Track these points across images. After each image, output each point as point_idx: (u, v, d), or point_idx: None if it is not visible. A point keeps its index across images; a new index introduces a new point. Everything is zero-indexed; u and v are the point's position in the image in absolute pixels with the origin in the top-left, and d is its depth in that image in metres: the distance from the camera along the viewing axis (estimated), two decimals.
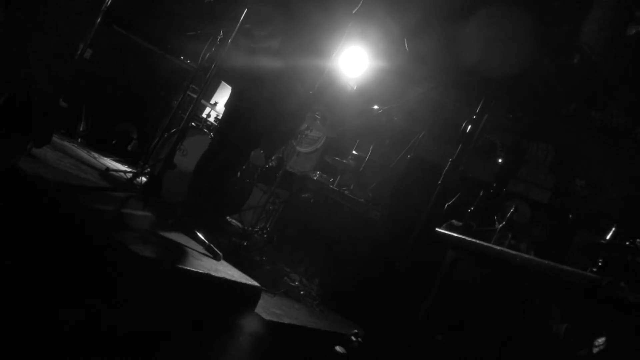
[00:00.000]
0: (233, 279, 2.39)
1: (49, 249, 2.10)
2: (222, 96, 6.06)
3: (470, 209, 3.28)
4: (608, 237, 2.58)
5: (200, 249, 2.63)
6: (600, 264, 2.39)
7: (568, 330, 2.30)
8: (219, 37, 4.86)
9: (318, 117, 5.22)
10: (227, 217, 4.96)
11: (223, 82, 6.15)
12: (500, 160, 4.92)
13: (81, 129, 6.07)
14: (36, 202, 2.16)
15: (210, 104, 5.52)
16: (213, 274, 2.27)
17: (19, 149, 2.44)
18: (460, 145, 2.59)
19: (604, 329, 2.16)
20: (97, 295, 2.00)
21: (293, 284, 3.62)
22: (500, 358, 2.76)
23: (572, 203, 4.67)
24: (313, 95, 3.53)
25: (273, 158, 4.99)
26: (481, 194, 3.27)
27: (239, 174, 4.13)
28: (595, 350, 2.12)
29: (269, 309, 2.75)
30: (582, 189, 4.81)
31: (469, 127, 2.57)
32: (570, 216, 4.20)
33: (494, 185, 4.45)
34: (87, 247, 2.07)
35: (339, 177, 5.23)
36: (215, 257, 2.60)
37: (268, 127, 3.33)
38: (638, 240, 2.40)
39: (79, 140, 5.84)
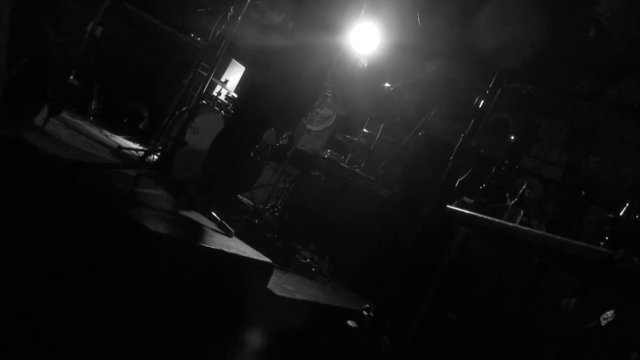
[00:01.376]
0: (245, 255, 2.40)
1: (62, 225, 2.13)
2: (232, 74, 6.05)
3: (482, 185, 3.27)
4: (622, 212, 2.57)
5: (213, 226, 2.65)
6: (607, 238, 2.38)
7: (577, 304, 2.30)
8: (230, 14, 4.82)
9: (329, 94, 5.20)
10: (239, 195, 4.98)
11: (234, 60, 6.12)
12: (512, 138, 4.89)
13: (93, 107, 6.08)
14: (50, 179, 2.19)
15: (221, 81, 5.51)
16: (225, 250, 2.29)
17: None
18: (472, 121, 2.56)
19: (612, 302, 2.16)
20: (111, 272, 2.03)
21: (304, 261, 3.65)
22: (513, 333, 2.78)
23: (585, 180, 4.64)
24: (325, 73, 3.51)
25: (284, 136, 4.98)
26: (493, 170, 3.25)
27: (252, 153, 4.13)
28: (603, 322, 2.12)
29: (281, 285, 2.77)
30: (596, 166, 4.77)
31: (482, 102, 2.54)
32: (583, 192, 4.18)
33: (506, 162, 4.43)
34: (101, 224, 2.10)
35: (349, 155, 5.22)
36: (228, 234, 2.62)
37: (281, 105, 3.32)
38: None
39: (91, 118, 5.86)
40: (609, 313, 2.13)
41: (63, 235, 2.11)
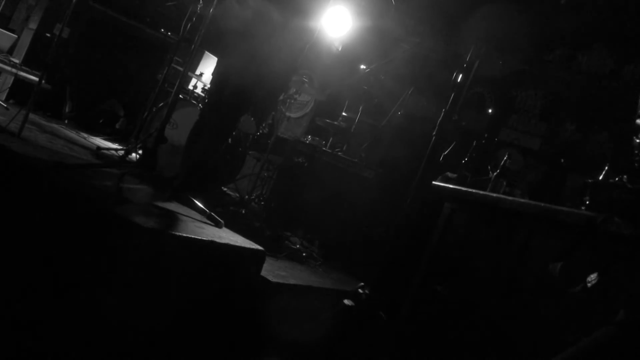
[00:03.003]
0: (237, 244, 2.42)
1: (50, 226, 2.12)
2: (207, 66, 6.00)
3: (464, 160, 3.32)
4: (600, 177, 2.63)
5: (202, 218, 2.65)
6: (587, 202, 2.44)
7: (563, 269, 2.36)
8: (199, 6, 4.78)
9: (306, 80, 5.19)
10: (223, 187, 4.97)
11: (207, 53, 6.07)
12: (490, 111, 4.95)
13: (67, 110, 6.00)
14: (34, 182, 2.16)
15: (196, 75, 5.46)
16: (217, 240, 2.29)
17: None
18: (452, 95, 2.59)
19: (596, 265, 2.22)
20: (103, 270, 2.02)
21: (294, 247, 3.67)
22: (503, 302, 2.83)
23: (563, 148, 4.72)
24: (298, 57, 3.51)
25: (264, 125, 4.97)
26: (474, 144, 3.29)
27: (230, 140, 4.11)
28: (589, 285, 2.18)
29: (274, 271, 2.79)
30: (573, 134, 4.86)
31: (460, 76, 2.57)
32: (562, 160, 4.25)
33: (486, 135, 4.48)
34: (89, 223, 2.08)
35: (330, 139, 5.24)
36: (217, 225, 2.62)
37: (253, 90, 3.31)
38: (624, 177, 2.44)
39: (66, 121, 5.78)
40: (593, 276, 2.19)
41: (50, 237, 2.09)
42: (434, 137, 2.62)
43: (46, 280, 1.99)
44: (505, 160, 3.29)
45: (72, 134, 4.86)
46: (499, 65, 4.59)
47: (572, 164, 4.38)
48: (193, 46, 2.89)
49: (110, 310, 1.91)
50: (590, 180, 2.57)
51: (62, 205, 2.11)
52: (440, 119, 2.62)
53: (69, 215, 2.11)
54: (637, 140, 2.47)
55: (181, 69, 5.69)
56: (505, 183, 3.21)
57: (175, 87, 2.97)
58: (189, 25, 4.94)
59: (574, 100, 4.90)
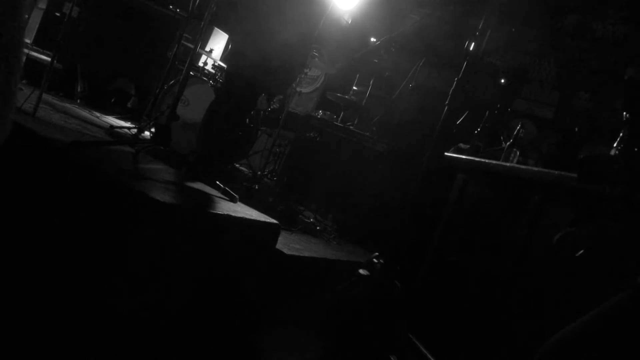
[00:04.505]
0: (252, 217, 2.45)
1: (70, 203, 2.16)
2: (216, 43, 5.98)
3: (476, 130, 3.31)
4: (615, 144, 2.61)
5: (217, 193, 2.69)
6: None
7: (560, 239, 2.35)
8: None
9: (316, 54, 5.16)
10: (236, 164, 5.00)
11: (216, 29, 6.04)
12: (502, 81, 4.90)
13: (79, 89, 6.03)
14: (53, 159, 2.20)
15: (206, 51, 5.45)
16: (233, 214, 2.33)
17: None
18: (464, 64, 2.57)
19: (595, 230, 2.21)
20: (123, 245, 2.06)
21: (308, 221, 3.70)
22: (517, 271, 2.85)
23: (577, 117, 4.68)
24: (312, 34, 3.49)
25: (275, 100, 4.97)
26: (487, 114, 3.28)
27: (247, 120, 4.13)
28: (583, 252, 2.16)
29: (288, 244, 2.83)
30: (587, 102, 4.81)
31: (472, 44, 2.54)
32: (576, 129, 4.22)
33: (499, 105, 4.45)
34: (106, 198, 2.12)
35: (342, 113, 5.23)
36: (232, 200, 2.65)
37: (272, 70, 3.30)
38: None
39: (79, 101, 5.82)
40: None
41: (72, 214, 2.14)
42: (446, 108, 2.61)
43: (65, 253, 2.04)
44: (519, 130, 3.27)
45: (85, 113, 4.89)
46: (512, 34, 4.52)
47: (586, 133, 4.35)
48: (203, 23, 2.89)
49: (126, 283, 1.96)
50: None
51: (81, 181, 2.15)
52: (452, 88, 2.61)
53: (87, 191, 2.15)
54: None
55: (191, 45, 5.69)
56: (518, 153, 3.21)
57: (187, 65, 2.98)
58: (198, 1, 4.92)
59: (587, 68, 4.84)
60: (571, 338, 1.81)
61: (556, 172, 2.50)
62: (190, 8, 4.95)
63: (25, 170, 2.23)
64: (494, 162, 2.99)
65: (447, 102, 2.58)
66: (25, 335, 1.83)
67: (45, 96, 4.64)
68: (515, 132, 3.24)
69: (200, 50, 5.40)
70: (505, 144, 3.26)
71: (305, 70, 5.05)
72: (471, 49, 2.51)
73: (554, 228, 2.58)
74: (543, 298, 2.56)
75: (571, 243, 2.10)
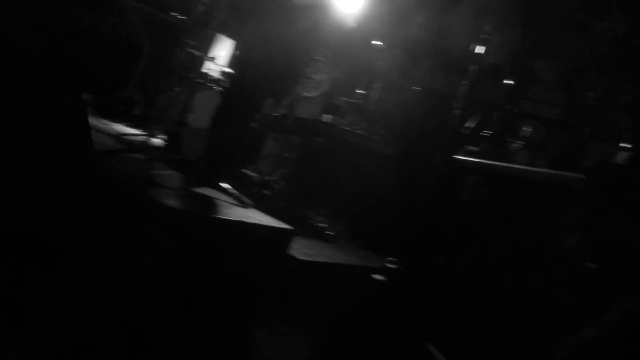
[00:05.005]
0: (265, 223, 2.46)
1: (84, 211, 2.17)
2: (220, 49, 5.99)
3: (485, 132, 3.31)
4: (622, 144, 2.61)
5: (229, 199, 2.70)
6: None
7: (576, 240, 2.34)
8: None
9: (320, 58, 5.17)
10: (244, 169, 5.01)
11: (220, 35, 6.06)
12: (508, 82, 4.89)
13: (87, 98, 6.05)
14: (68, 170, 2.22)
15: (209, 57, 5.46)
16: (246, 220, 2.34)
17: None
18: (472, 68, 2.57)
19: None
20: (137, 252, 2.07)
21: (319, 226, 3.70)
22: (529, 274, 2.85)
23: (585, 116, 4.66)
24: (313, 34, 3.50)
25: (281, 105, 4.98)
26: (494, 116, 3.28)
27: (252, 125, 4.14)
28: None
29: (301, 249, 2.83)
30: (594, 102, 4.79)
31: (477, 47, 2.55)
32: (584, 129, 4.21)
33: (506, 107, 4.44)
34: (121, 206, 2.14)
35: (348, 117, 5.23)
36: (244, 206, 2.67)
37: (276, 74, 3.32)
38: None
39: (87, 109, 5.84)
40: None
41: (86, 220, 2.15)
42: (454, 111, 2.61)
43: (81, 263, 2.05)
44: (526, 131, 3.28)
45: (94, 121, 4.92)
46: (515, 34, 4.52)
47: (593, 132, 4.33)
48: (208, 31, 2.90)
49: (139, 289, 1.97)
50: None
51: (95, 189, 2.17)
52: (459, 91, 2.61)
53: (101, 199, 2.16)
54: None
55: (195, 52, 5.70)
56: (527, 154, 3.21)
57: (195, 73, 3.00)
58: (201, 8, 4.94)
59: (593, 67, 4.83)
60: (588, 343, 1.81)
61: (565, 173, 2.51)
62: (193, 15, 4.98)
63: (42, 179, 2.24)
64: (503, 164, 3.00)
65: (456, 106, 2.58)
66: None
67: None
68: (523, 134, 3.25)
69: (204, 57, 5.42)
70: (514, 145, 3.27)
71: (311, 75, 5.05)
72: (477, 51, 2.52)
73: (566, 230, 2.58)
74: (558, 304, 2.55)
75: (583, 249, 2.11)
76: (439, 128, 3.31)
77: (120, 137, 4.27)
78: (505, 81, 5.17)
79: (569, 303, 2.32)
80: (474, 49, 2.57)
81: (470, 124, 3.17)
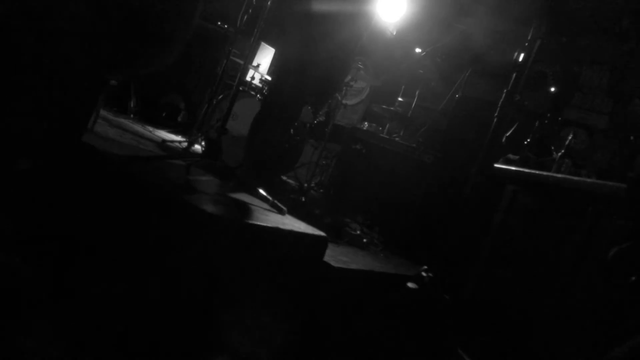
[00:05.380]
0: (300, 230, 2.48)
1: (126, 216, 2.25)
2: (263, 57, 6.10)
3: (526, 140, 3.25)
4: None
5: (265, 205, 2.74)
6: None
7: (616, 256, 2.25)
8: None
9: (361, 66, 5.19)
10: (283, 176, 5.07)
11: (263, 43, 6.17)
12: (552, 89, 4.79)
13: (132, 105, 6.26)
14: (111, 173, 2.30)
15: (253, 66, 5.57)
16: (281, 227, 2.37)
17: None
18: (514, 75, 2.54)
19: None
20: (175, 257, 2.13)
21: (355, 233, 3.71)
22: (569, 287, 2.77)
23: (633, 125, 4.51)
24: (357, 42, 3.52)
25: (321, 113, 5.02)
26: (537, 124, 3.22)
27: (291, 131, 4.19)
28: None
29: (336, 257, 2.84)
30: None
31: (522, 55, 2.51)
32: (632, 138, 4.07)
33: (548, 115, 4.35)
34: (160, 211, 2.20)
35: (387, 125, 5.23)
36: (280, 212, 2.70)
37: (315, 81, 3.35)
38: None
39: (132, 116, 6.04)
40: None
41: (129, 225, 2.23)
42: (495, 119, 2.58)
43: (122, 266, 2.12)
44: (570, 140, 3.20)
45: (138, 127, 5.08)
46: (562, 41, 4.42)
47: None
48: (252, 39, 2.96)
49: (175, 293, 2.02)
50: None
51: (137, 194, 2.24)
52: (502, 99, 2.58)
53: (143, 204, 2.23)
54: None
55: (239, 60, 5.82)
56: (570, 163, 3.13)
57: (237, 80, 3.06)
58: (246, 17, 5.04)
59: None
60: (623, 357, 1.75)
61: (610, 183, 2.43)
62: (238, 23, 5.08)
63: (85, 184, 2.34)
64: (544, 173, 2.93)
65: (496, 114, 2.55)
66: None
67: (101, 112, 4.85)
68: (567, 142, 3.17)
69: (248, 65, 5.52)
70: (556, 154, 3.19)
71: (351, 83, 5.08)
72: (520, 59, 2.48)
73: (609, 242, 2.50)
74: (593, 317, 2.47)
75: (625, 262, 2.03)
76: (478, 136, 3.27)
77: (162, 143, 4.40)
78: (551, 89, 5.07)
79: (609, 316, 2.24)
80: (518, 57, 2.53)
81: (509, 131, 3.11)
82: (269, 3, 2.97)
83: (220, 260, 2.19)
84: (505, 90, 2.56)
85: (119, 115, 5.66)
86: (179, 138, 5.11)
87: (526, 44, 2.51)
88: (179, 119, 6.74)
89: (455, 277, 2.78)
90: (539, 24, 2.54)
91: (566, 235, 2.86)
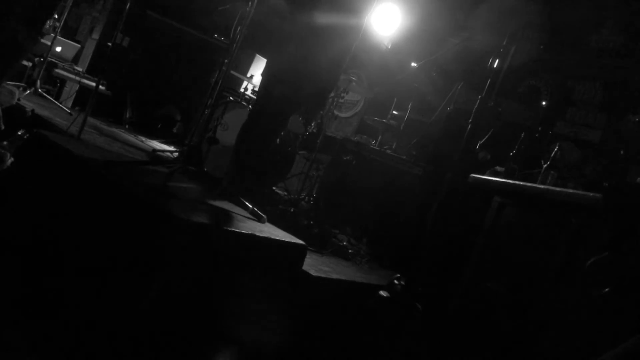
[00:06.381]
0: (277, 238, 2.46)
1: (99, 220, 2.23)
2: (257, 69, 6.12)
3: (512, 152, 3.23)
4: None
5: (245, 213, 2.72)
6: None
7: (592, 266, 2.22)
8: (249, 9, 4.88)
9: (354, 79, 5.20)
10: (273, 187, 5.05)
11: (258, 55, 6.20)
12: (544, 103, 4.78)
13: (127, 115, 6.28)
14: (86, 179, 2.29)
15: (247, 77, 5.59)
16: (257, 234, 2.34)
17: None
18: (488, 81, 2.53)
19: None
20: (147, 262, 2.11)
21: (341, 244, 3.68)
22: (552, 298, 2.74)
23: (626, 140, 4.49)
24: (346, 55, 3.52)
25: (312, 124, 5.01)
26: (522, 135, 3.20)
27: (278, 140, 4.17)
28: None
29: (317, 266, 2.82)
30: (635, 125, 4.61)
31: (497, 61, 2.50)
32: (622, 152, 4.05)
33: (539, 128, 4.33)
34: (135, 216, 2.18)
35: (379, 137, 5.22)
36: (260, 220, 2.68)
37: (302, 87, 3.35)
38: None
39: (127, 126, 6.06)
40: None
41: (101, 230, 2.21)
42: (469, 125, 2.56)
43: (93, 268, 2.10)
44: (556, 152, 3.18)
45: (130, 137, 5.09)
46: (542, 47, 4.41)
47: (635, 157, 4.16)
48: (234, 46, 2.97)
49: (150, 299, 2.00)
50: None
51: (111, 200, 2.23)
52: (475, 106, 2.56)
53: (117, 210, 2.22)
54: None
55: (235, 73, 5.85)
56: (556, 175, 3.10)
57: (218, 86, 3.07)
58: (239, 28, 5.06)
59: (635, 89, 4.66)
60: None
61: (590, 194, 2.40)
62: (231, 35, 5.11)
63: (60, 188, 2.33)
64: (528, 184, 2.91)
65: (470, 120, 2.53)
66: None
67: (94, 121, 4.87)
68: (552, 154, 3.15)
69: (241, 76, 5.55)
70: (543, 166, 3.17)
71: (343, 95, 5.08)
72: (495, 66, 2.47)
73: (589, 253, 2.46)
74: (580, 328, 2.43)
75: (602, 272, 2.01)
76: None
77: (152, 152, 4.40)
78: (542, 102, 5.06)
79: (588, 325, 2.21)
80: (492, 64, 2.52)
81: (490, 141, 3.10)
82: (251, 12, 2.97)
83: (193, 267, 2.17)
84: (479, 97, 2.55)
85: (113, 125, 5.68)
86: (170, 148, 5.12)
87: (501, 49, 2.50)
88: (175, 130, 6.76)
89: (434, 285, 2.75)
90: (515, 31, 2.54)
91: (550, 246, 2.83)
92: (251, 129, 3.48)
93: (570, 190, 2.53)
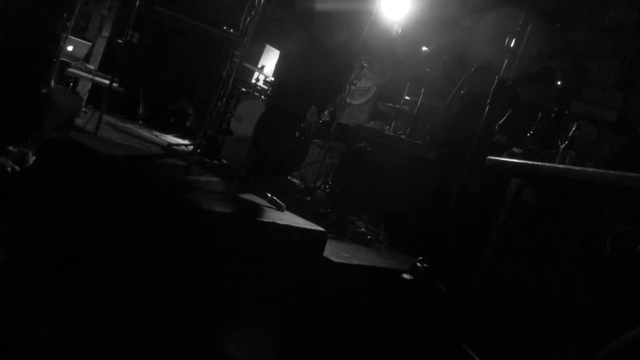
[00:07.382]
0: (298, 225, 2.47)
1: (121, 213, 2.26)
2: (268, 59, 6.12)
3: (529, 133, 3.20)
4: None
5: (265, 202, 2.74)
6: None
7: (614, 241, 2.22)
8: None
9: (365, 65, 5.18)
10: (288, 176, 5.07)
11: (268, 46, 6.19)
12: (559, 83, 4.73)
13: (141, 111, 6.32)
14: (107, 174, 2.32)
15: (258, 68, 5.59)
16: (278, 222, 2.36)
17: None
18: (505, 61, 2.50)
19: None
20: (170, 252, 2.13)
21: (359, 230, 3.69)
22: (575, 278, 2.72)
23: None
24: (358, 40, 3.51)
25: (326, 113, 5.01)
26: (539, 116, 3.17)
27: (297, 133, 4.19)
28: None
29: (337, 253, 2.83)
30: None
31: (513, 40, 2.48)
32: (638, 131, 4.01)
33: (555, 109, 4.29)
34: (157, 209, 2.21)
35: (393, 123, 5.20)
36: (279, 208, 2.69)
37: (317, 75, 3.35)
38: None
39: (140, 122, 6.10)
40: None
41: (126, 223, 2.24)
42: (487, 106, 2.55)
43: (117, 260, 2.13)
44: (574, 131, 3.15)
45: (145, 132, 5.13)
46: (559, 25, 4.35)
47: None
48: (246, 38, 2.97)
49: (171, 287, 2.02)
50: None
51: (133, 192, 2.25)
52: (493, 86, 2.55)
53: (139, 203, 2.24)
54: None
55: (246, 65, 5.85)
56: (574, 154, 3.08)
57: (232, 79, 3.08)
58: (249, 19, 5.06)
59: None
60: (630, 346, 1.70)
61: (612, 172, 2.38)
62: (241, 27, 5.10)
63: (81, 184, 2.36)
64: (547, 164, 2.88)
65: (488, 101, 2.52)
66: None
67: (109, 118, 4.90)
68: (570, 133, 3.12)
69: (252, 67, 5.55)
70: (561, 146, 3.14)
71: (355, 82, 5.06)
72: (512, 45, 2.45)
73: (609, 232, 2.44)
74: (601, 307, 2.42)
75: (629, 239, 1.99)
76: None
77: (167, 146, 4.43)
78: (558, 82, 5.01)
79: (609, 306, 2.19)
80: (507, 41, 2.49)
81: (507, 122, 3.07)
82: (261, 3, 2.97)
83: (217, 256, 2.19)
84: (497, 77, 2.53)
85: (127, 121, 5.72)
86: (185, 142, 5.14)
87: (517, 28, 2.48)
88: (188, 124, 6.79)
89: (460, 270, 2.74)
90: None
91: (571, 226, 2.81)
92: (269, 122, 3.49)
93: (591, 170, 2.50)
